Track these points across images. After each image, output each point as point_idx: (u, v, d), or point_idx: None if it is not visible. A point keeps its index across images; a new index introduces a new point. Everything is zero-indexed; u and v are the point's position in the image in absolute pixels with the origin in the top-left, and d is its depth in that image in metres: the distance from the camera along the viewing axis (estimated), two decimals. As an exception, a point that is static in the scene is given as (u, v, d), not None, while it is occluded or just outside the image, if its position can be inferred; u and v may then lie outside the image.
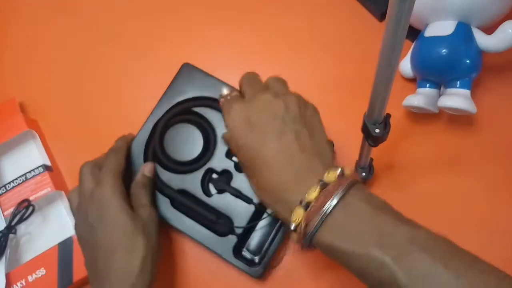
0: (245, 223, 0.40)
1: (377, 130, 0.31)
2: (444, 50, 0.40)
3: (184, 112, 0.44)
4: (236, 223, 0.40)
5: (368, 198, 0.27)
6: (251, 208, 0.40)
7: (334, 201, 0.26)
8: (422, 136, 0.45)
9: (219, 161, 0.42)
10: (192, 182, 0.42)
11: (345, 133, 0.46)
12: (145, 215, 0.37)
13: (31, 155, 0.48)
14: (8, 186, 0.45)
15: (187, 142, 0.43)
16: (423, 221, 0.42)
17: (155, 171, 0.42)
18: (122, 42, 0.53)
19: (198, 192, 0.41)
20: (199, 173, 0.42)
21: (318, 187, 0.27)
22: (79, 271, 0.41)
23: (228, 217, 0.41)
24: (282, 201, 0.29)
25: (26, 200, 0.44)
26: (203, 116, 0.44)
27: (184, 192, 0.42)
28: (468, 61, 0.40)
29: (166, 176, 0.42)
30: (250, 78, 0.37)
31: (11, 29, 0.57)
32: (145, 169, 0.41)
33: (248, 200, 0.41)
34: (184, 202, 0.41)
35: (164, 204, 0.42)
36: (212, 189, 0.42)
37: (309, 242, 0.27)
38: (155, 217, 0.38)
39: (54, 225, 0.44)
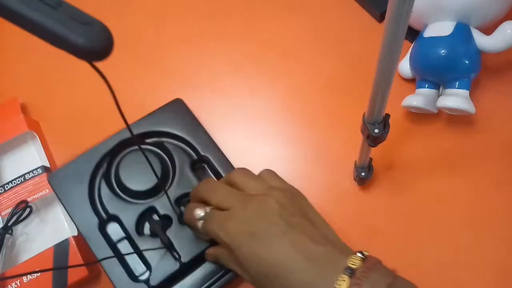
0: (162, 278, 0.37)
1: (376, 130, 0.31)
2: (443, 51, 0.40)
3: (155, 143, 0.42)
4: (152, 275, 0.37)
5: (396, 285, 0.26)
6: (176, 265, 0.37)
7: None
8: (421, 136, 0.45)
9: (165, 204, 0.39)
10: (129, 213, 0.39)
11: (344, 134, 0.46)
12: None
13: (30, 156, 0.48)
14: (7, 187, 0.45)
15: (144, 173, 0.40)
16: (422, 221, 0.42)
17: None
18: (124, 44, 0.53)
19: (130, 226, 0.38)
20: (140, 207, 0.39)
21: (347, 277, 0.25)
22: (74, 273, 0.40)
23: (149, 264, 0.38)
24: None
25: (24, 201, 0.44)
26: (171, 154, 0.42)
27: (115, 219, 0.39)
28: (467, 62, 0.40)
29: (107, 196, 0.40)
30: (223, 189, 0.34)
31: (13, 29, 0.56)
32: None
33: (176, 256, 0.38)
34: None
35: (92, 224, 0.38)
36: (146, 230, 0.39)
37: None
38: None
39: (51, 227, 0.44)
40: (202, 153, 0.42)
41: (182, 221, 0.39)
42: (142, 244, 0.38)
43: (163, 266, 0.37)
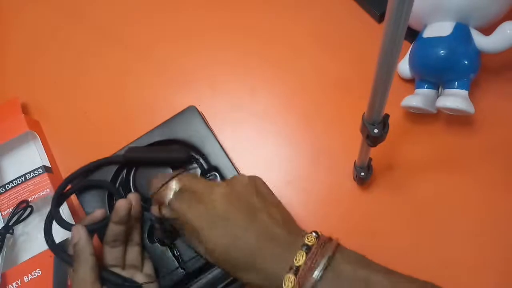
0: (167, 286, 0.38)
1: (375, 130, 0.31)
2: (442, 51, 0.40)
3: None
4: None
5: (348, 256, 0.29)
6: (180, 274, 0.38)
7: (323, 262, 0.28)
8: (420, 136, 0.45)
9: None
10: (144, 220, 0.40)
11: (344, 133, 0.46)
12: None
13: (31, 156, 0.48)
14: (8, 186, 0.45)
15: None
16: (422, 220, 0.42)
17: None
18: (125, 44, 0.53)
19: (143, 234, 0.39)
20: (152, 216, 0.39)
21: (304, 252, 0.29)
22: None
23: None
24: (259, 269, 0.30)
25: (25, 201, 0.44)
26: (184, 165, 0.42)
27: None
28: (466, 62, 0.40)
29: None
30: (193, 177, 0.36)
31: (14, 29, 0.57)
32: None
33: (181, 265, 0.38)
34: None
35: None
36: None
37: None
38: None
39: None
40: (213, 163, 0.42)
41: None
42: (152, 251, 0.39)
43: (168, 274, 0.38)
